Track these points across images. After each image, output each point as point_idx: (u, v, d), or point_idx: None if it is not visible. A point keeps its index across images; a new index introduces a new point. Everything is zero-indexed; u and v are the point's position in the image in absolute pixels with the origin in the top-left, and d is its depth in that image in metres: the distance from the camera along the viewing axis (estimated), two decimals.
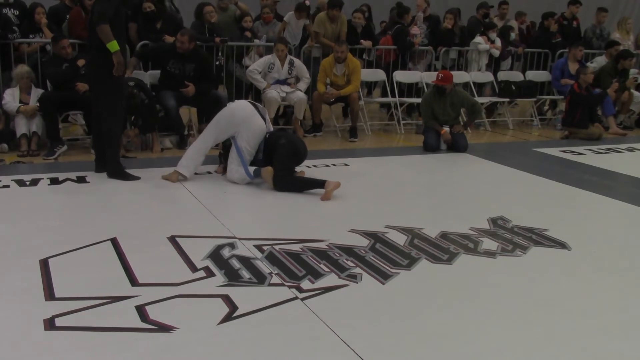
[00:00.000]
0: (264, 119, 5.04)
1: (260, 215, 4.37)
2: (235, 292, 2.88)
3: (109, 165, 4.98)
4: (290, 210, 4.33)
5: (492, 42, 8.82)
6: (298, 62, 7.20)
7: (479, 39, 8.76)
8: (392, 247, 3.56)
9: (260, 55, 7.44)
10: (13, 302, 2.74)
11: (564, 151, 6.89)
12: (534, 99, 9.04)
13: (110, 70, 4.70)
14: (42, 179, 4.89)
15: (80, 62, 6.02)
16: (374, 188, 5.09)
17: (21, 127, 5.91)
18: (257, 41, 7.65)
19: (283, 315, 2.70)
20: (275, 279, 3.05)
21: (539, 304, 2.90)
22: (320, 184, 4.63)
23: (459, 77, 8.31)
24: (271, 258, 3.33)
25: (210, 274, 3.10)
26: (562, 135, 8.02)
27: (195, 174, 5.16)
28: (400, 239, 3.70)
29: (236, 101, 5.32)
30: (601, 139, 7.72)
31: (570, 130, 7.89)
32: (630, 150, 7.22)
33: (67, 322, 2.55)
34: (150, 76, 6.67)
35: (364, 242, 3.64)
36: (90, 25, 4.82)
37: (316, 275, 3.11)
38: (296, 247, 3.49)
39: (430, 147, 6.61)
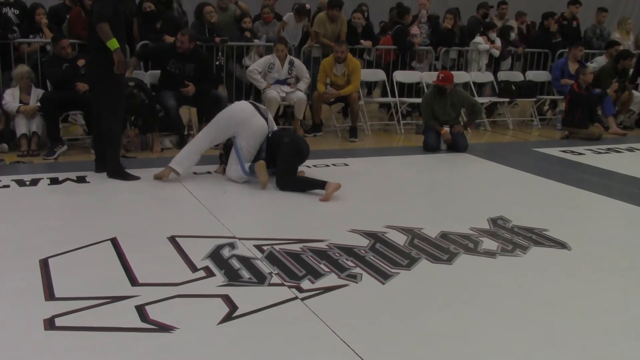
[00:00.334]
0: (266, 119, 5.04)
1: (260, 215, 4.37)
2: (235, 292, 2.88)
3: (109, 165, 4.98)
4: (290, 210, 4.33)
5: (492, 42, 8.82)
6: (298, 62, 7.20)
7: (479, 39, 8.76)
8: (392, 247, 3.56)
9: (260, 55, 7.44)
10: (13, 302, 2.73)
11: (564, 151, 6.89)
12: (534, 99, 9.04)
13: (111, 70, 4.70)
14: (42, 179, 4.89)
15: (80, 62, 6.02)
16: (374, 188, 5.09)
17: (21, 127, 5.91)
18: (257, 41, 7.65)
19: (283, 315, 2.70)
20: (275, 279, 3.05)
21: (539, 304, 2.90)
22: (321, 184, 4.63)
23: (459, 77, 8.30)
24: (271, 258, 3.33)
25: (210, 274, 3.10)
26: (562, 135, 8.02)
27: (195, 173, 5.17)
28: (400, 239, 3.70)
29: (236, 102, 5.32)
30: (601, 139, 7.72)
31: (570, 130, 7.89)
32: (630, 150, 7.22)
33: (67, 322, 2.55)
34: (150, 76, 6.67)
35: (364, 242, 3.64)
36: (90, 26, 4.83)
37: (316, 275, 3.11)
38: (296, 247, 3.49)
39: (430, 147, 6.61)
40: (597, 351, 2.50)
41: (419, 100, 7.70)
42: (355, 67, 7.21)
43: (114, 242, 3.51)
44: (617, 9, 14.15)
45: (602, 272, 3.37)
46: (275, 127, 5.29)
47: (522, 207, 4.55)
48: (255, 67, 6.97)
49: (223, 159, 5.25)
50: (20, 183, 4.75)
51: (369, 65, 8.40)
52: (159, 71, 6.50)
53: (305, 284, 3.01)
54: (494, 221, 4.15)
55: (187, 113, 6.96)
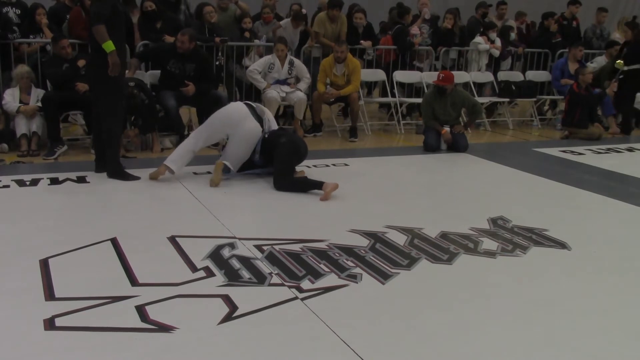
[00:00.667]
0: (261, 120, 5.05)
1: (260, 215, 4.37)
2: (235, 292, 2.88)
3: (109, 165, 4.98)
4: (290, 210, 4.33)
5: (492, 42, 8.82)
6: (298, 62, 7.20)
7: (479, 39, 8.76)
8: (392, 247, 3.56)
9: (260, 56, 7.44)
10: (13, 302, 2.73)
11: (564, 151, 6.89)
12: (534, 99, 9.04)
13: None
14: (42, 179, 4.89)
15: (81, 63, 6.02)
16: (374, 188, 5.09)
17: (21, 127, 5.91)
18: (257, 41, 7.65)
19: (283, 315, 2.70)
20: (275, 279, 3.05)
21: (539, 304, 2.90)
22: (319, 185, 4.63)
23: (459, 77, 8.29)
24: (271, 258, 3.33)
25: (210, 274, 3.10)
26: (562, 135, 8.02)
27: (195, 173, 5.17)
28: (400, 239, 3.70)
29: (232, 103, 5.33)
30: (601, 139, 7.72)
31: (570, 130, 7.89)
32: (630, 150, 7.22)
33: (67, 322, 2.55)
34: (150, 76, 6.68)
35: (364, 242, 3.64)
36: (89, 26, 4.82)
37: (316, 275, 3.11)
38: (296, 247, 3.49)
39: (430, 147, 6.61)
40: (597, 351, 2.50)
41: (419, 100, 7.70)
42: (355, 67, 7.21)
43: (114, 242, 3.51)
44: (617, 9, 14.15)
45: (602, 272, 3.37)
46: (275, 127, 5.29)
47: (522, 207, 4.55)
48: (255, 67, 6.97)
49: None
50: (20, 183, 4.75)
51: (369, 65, 8.40)
52: (159, 71, 6.50)
53: (305, 284, 3.01)
54: (494, 221, 4.15)
55: (187, 113, 6.96)
